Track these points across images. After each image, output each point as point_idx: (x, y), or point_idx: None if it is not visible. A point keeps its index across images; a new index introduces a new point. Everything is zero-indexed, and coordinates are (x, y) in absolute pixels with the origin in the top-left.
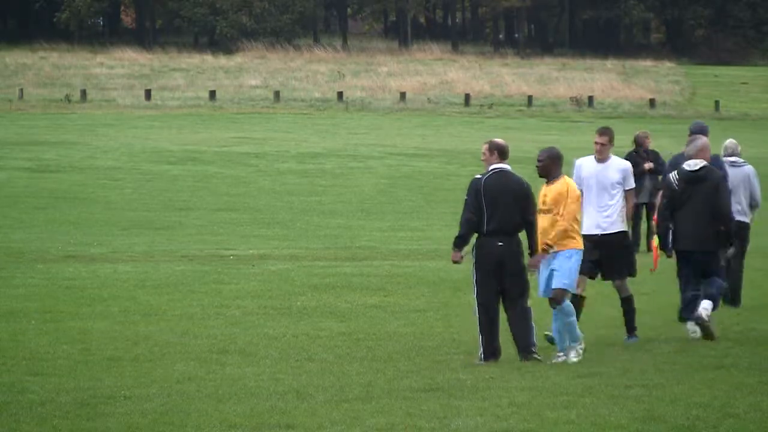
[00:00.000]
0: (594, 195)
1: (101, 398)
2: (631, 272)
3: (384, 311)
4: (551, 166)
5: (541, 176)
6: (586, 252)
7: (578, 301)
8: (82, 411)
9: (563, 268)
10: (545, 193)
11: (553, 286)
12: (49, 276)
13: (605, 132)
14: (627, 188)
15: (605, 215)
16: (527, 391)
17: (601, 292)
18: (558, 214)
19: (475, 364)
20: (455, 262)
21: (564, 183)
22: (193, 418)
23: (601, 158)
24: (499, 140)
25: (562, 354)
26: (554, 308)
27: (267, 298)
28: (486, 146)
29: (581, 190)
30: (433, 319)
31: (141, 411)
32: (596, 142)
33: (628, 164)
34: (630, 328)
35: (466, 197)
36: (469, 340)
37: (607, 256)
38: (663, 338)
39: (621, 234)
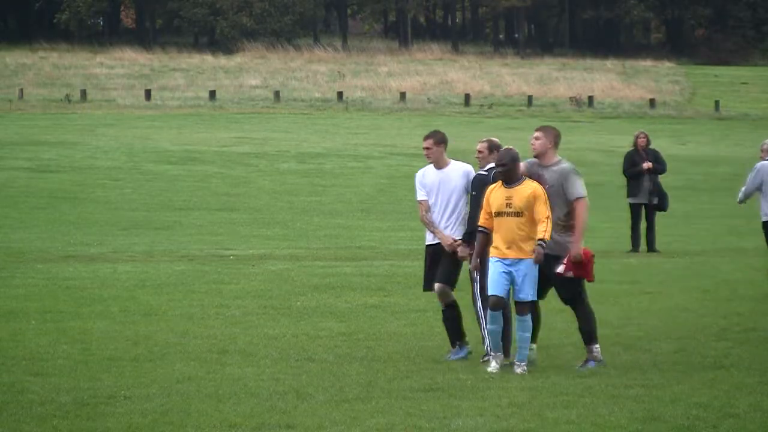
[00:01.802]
0: (438, 203)
1: (101, 398)
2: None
3: (384, 311)
4: (515, 169)
5: (504, 180)
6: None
7: (456, 312)
8: (82, 411)
9: (533, 278)
10: (509, 195)
11: (527, 298)
12: (49, 276)
13: (431, 135)
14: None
15: (446, 223)
16: (527, 391)
17: (601, 292)
18: (536, 215)
19: (481, 362)
20: (463, 258)
21: (533, 185)
22: (193, 418)
23: (437, 164)
24: (496, 140)
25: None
26: (521, 317)
27: (267, 298)
28: (485, 145)
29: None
30: (433, 319)
31: (141, 411)
32: (425, 147)
33: (469, 168)
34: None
35: (473, 192)
36: (469, 340)
37: (437, 262)
38: (663, 338)
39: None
